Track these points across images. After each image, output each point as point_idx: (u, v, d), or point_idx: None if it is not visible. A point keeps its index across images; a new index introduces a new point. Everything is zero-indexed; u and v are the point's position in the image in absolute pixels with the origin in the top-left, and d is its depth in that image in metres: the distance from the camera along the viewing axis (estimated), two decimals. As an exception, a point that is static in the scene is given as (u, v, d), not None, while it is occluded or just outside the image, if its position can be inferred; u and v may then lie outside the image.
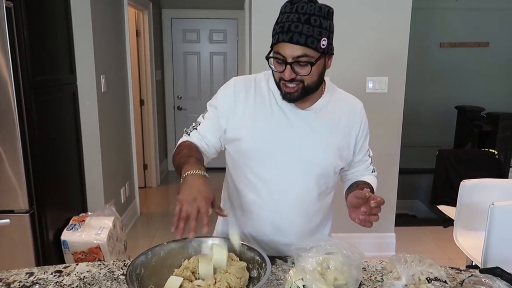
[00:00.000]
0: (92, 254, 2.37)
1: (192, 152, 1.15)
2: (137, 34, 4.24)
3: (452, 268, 1.16)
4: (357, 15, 2.69)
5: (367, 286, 1.07)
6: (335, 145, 1.20)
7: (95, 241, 2.36)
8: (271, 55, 1.10)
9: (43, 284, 1.07)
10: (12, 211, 2.10)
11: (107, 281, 1.09)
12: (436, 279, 0.99)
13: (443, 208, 2.51)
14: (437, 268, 1.03)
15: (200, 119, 1.25)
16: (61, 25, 2.56)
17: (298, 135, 1.16)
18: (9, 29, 1.94)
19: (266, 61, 1.13)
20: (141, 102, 4.40)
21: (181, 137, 1.26)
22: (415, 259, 1.05)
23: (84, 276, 1.11)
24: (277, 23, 1.10)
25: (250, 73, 2.88)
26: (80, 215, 2.59)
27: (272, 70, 1.13)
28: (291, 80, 1.07)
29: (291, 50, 1.04)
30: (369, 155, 1.35)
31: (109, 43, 3.07)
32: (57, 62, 2.49)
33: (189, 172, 1.01)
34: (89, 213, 2.64)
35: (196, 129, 1.23)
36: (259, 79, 1.23)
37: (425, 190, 4.05)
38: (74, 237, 2.37)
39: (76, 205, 2.74)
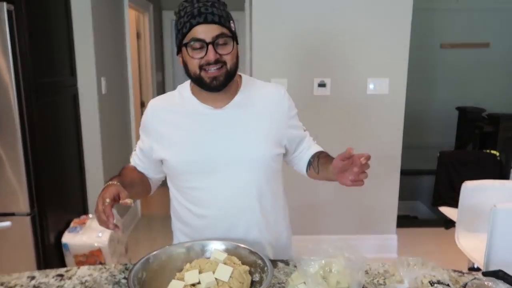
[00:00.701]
0: (93, 256, 2.36)
1: (122, 171, 1.24)
2: (138, 36, 4.25)
3: (455, 271, 1.15)
4: (357, 16, 2.69)
5: (370, 290, 1.06)
6: (264, 133, 1.17)
7: (96, 244, 2.35)
8: (186, 44, 1.06)
9: (45, 288, 1.07)
10: (13, 214, 2.10)
11: (109, 285, 1.09)
12: (439, 282, 0.99)
13: (444, 209, 2.51)
14: (440, 271, 1.02)
15: (138, 142, 1.28)
16: (62, 27, 2.56)
17: (222, 136, 1.14)
18: (10, 31, 1.95)
19: (181, 55, 1.11)
20: (142, 104, 4.40)
21: None
22: (418, 262, 1.04)
23: (85, 280, 1.11)
24: (181, 16, 1.07)
25: (251, 74, 2.89)
26: (81, 217, 2.58)
27: (188, 62, 1.08)
28: (216, 62, 1.04)
29: (208, 30, 1.03)
30: (304, 129, 1.31)
31: (109, 45, 3.07)
32: (57, 64, 2.49)
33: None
34: (90, 215, 2.64)
35: (134, 151, 1.29)
36: (172, 95, 1.23)
37: (427, 192, 4.04)
38: (75, 239, 2.37)
39: (76, 207, 2.73)
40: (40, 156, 2.17)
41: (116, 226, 0.97)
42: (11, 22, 1.96)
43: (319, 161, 1.24)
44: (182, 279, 0.98)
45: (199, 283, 0.97)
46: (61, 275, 1.13)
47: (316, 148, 1.31)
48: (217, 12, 1.04)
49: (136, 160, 1.29)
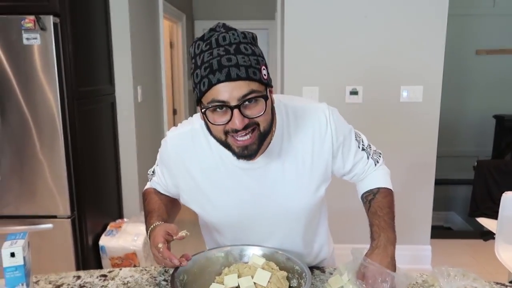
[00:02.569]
0: (128, 259, 2.43)
1: (152, 205, 1.13)
2: (171, 45, 4.37)
3: (497, 283, 1.12)
4: (391, 23, 2.67)
5: (408, 299, 1.05)
6: (305, 182, 1.02)
7: (131, 247, 2.42)
8: (205, 106, 0.84)
9: (90, 287, 1.11)
10: (55, 216, 2.20)
11: (150, 286, 1.12)
12: (481, 294, 0.97)
13: (482, 220, 2.43)
14: (482, 283, 1.00)
15: (156, 171, 1.15)
16: (102, 38, 2.67)
17: (260, 192, 1.00)
18: (55, 43, 2.05)
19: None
20: (174, 112, 4.50)
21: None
22: (459, 273, 1.02)
23: (127, 281, 1.15)
24: (199, 66, 0.85)
25: (282, 82, 2.91)
26: (117, 221, 2.67)
27: (211, 128, 0.88)
28: (245, 128, 0.84)
29: (232, 90, 0.81)
30: (362, 148, 1.09)
31: (145, 54, 3.17)
32: (98, 73, 2.60)
33: (148, 230, 1.04)
34: (125, 219, 2.72)
35: (153, 178, 1.16)
36: (196, 133, 1.00)
37: (461, 202, 3.93)
38: (111, 242, 2.44)
39: (113, 211, 2.82)
40: (80, 162, 2.27)
41: (183, 258, 0.95)
42: (57, 33, 2.07)
43: (369, 209, 1.11)
44: (221, 282, 1.00)
45: (238, 287, 0.99)
46: (104, 276, 1.18)
47: (374, 180, 1.11)
48: (243, 61, 0.81)
49: (157, 186, 1.16)
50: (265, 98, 0.85)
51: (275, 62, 3.58)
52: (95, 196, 2.51)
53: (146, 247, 2.50)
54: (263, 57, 0.88)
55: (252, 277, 0.99)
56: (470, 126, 3.99)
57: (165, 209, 1.13)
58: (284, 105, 1.01)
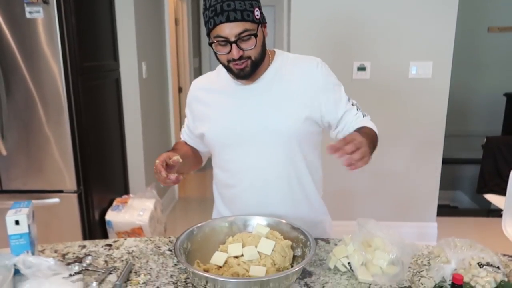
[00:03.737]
0: (134, 234, 2.45)
1: (176, 145, 1.36)
2: (176, 22, 4.30)
3: (505, 255, 1.11)
4: (400, -3, 2.59)
5: (413, 270, 1.04)
6: (296, 110, 1.17)
7: (137, 222, 2.44)
8: (212, 40, 1.10)
9: (95, 256, 1.12)
10: (61, 191, 2.21)
11: (154, 255, 1.13)
12: (488, 264, 0.96)
13: (490, 197, 2.41)
14: (490, 253, 0.99)
15: (185, 120, 1.38)
16: (106, 13, 2.63)
17: (251, 109, 1.18)
18: (58, 17, 2.02)
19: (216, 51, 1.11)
20: (180, 90, 4.48)
21: None
22: (465, 244, 1.02)
23: (132, 250, 1.16)
24: (206, 9, 1.09)
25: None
26: (123, 196, 2.68)
27: (217, 55, 1.13)
28: (240, 58, 1.08)
29: (231, 29, 1.05)
30: (352, 103, 1.24)
31: (150, 31, 3.13)
32: (102, 49, 2.58)
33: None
34: (131, 195, 2.74)
35: (184, 128, 1.39)
36: (211, 74, 1.30)
37: (468, 181, 3.89)
38: (118, 217, 2.47)
39: (118, 187, 2.84)
40: (85, 137, 2.26)
41: (167, 175, 1.06)
42: (60, 7, 2.03)
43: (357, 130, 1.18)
44: (225, 251, 1.00)
45: (242, 255, 0.98)
46: (109, 245, 1.19)
47: (362, 123, 1.22)
48: (239, 6, 1.05)
49: (185, 135, 1.39)
50: (255, 35, 1.08)
51: (282, 38, 3.52)
52: (101, 172, 2.52)
53: (152, 222, 2.52)
54: (257, 1, 1.10)
55: (256, 246, 0.99)
56: (480, 104, 3.92)
57: (184, 152, 1.28)
58: (287, 55, 1.25)
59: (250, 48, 1.08)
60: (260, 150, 1.19)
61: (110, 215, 2.48)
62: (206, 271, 0.94)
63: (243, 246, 1.00)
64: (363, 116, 1.25)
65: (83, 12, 2.28)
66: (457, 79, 3.14)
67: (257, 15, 1.08)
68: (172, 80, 3.72)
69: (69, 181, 2.20)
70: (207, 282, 0.84)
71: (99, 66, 2.52)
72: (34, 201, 1.11)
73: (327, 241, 1.20)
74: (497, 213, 3.14)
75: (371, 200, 2.92)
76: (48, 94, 2.10)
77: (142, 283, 0.99)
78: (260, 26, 1.10)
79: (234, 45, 1.06)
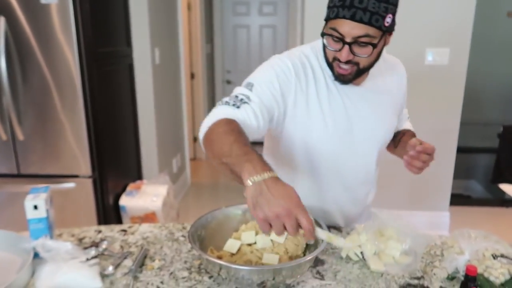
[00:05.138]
0: (148, 219, 2.49)
1: (243, 138, 0.87)
2: (189, 7, 4.27)
3: (519, 246, 1.10)
4: (418, -18, 2.53)
5: (426, 260, 1.04)
6: (392, 116, 1.20)
7: (151, 207, 2.48)
8: (326, 31, 0.98)
9: (110, 240, 1.14)
10: (76, 176, 2.25)
11: (168, 241, 1.15)
12: (502, 256, 0.95)
13: (506, 187, 2.38)
14: (504, 245, 0.98)
15: (245, 91, 1.00)
16: (119, -2, 2.63)
17: (361, 115, 1.12)
18: (73, 3, 2.03)
19: (320, 36, 1.03)
20: (192, 76, 4.47)
21: (217, 108, 0.98)
22: (480, 235, 1.01)
23: (147, 236, 1.18)
24: None
25: (303, 42, 2.82)
26: (136, 182, 2.72)
27: (325, 48, 1.02)
28: (347, 62, 0.97)
29: (351, 29, 0.92)
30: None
31: (162, 16, 3.12)
32: (115, 34, 2.58)
33: (257, 178, 0.75)
34: (145, 180, 2.77)
35: (246, 103, 0.97)
36: (308, 56, 1.09)
37: (482, 170, 3.84)
38: (131, 202, 2.50)
39: (132, 172, 2.88)
40: (99, 122, 2.29)
41: None
42: (74, -8, 2.03)
43: (402, 137, 1.25)
44: (238, 238, 1.01)
45: (255, 243, 0.99)
46: (124, 230, 1.21)
47: (406, 125, 1.34)
48: (372, 7, 0.90)
49: (249, 110, 0.97)
50: (374, 45, 0.95)
51: (295, 30, 3.48)
52: (115, 157, 2.55)
53: (165, 207, 2.55)
54: (394, 5, 0.95)
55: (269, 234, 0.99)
56: (497, 92, 3.83)
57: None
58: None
59: (363, 56, 0.96)
60: (357, 155, 1.15)
61: (124, 200, 2.52)
62: (220, 258, 0.95)
63: (256, 234, 1.01)
64: (407, 115, 1.38)
65: (97, -3, 2.28)
66: (474, 65, 3.07)
67: (387, 22, 0.93)
68: (184, 66, 3.72)
69: (84, 166, 2.23)
70: (220, 269, 0.85)
71: (113, 52, 2.53)
72: (50, 186, 1.14)
73: (339, 229, 1.20)
74: (511, 203, 3.11)
75: (384, 188, 2.88)
76: (63, 80, 2.12)
77: (157, 268, 1.01)
78: (384, 34, 0.96)
79: (346, 47, 0.95)
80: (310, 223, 0.74)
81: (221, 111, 0.95)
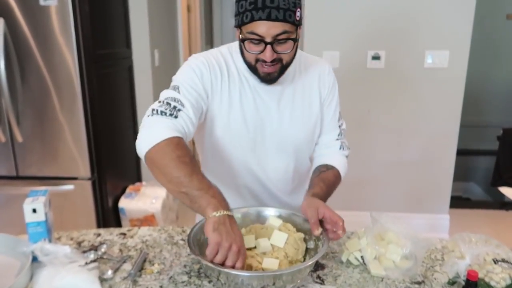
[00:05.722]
0: (147, 221, 2.49)
1: (198, 168, 0.94)
2: (188, 9, 4.27)
3: (520, 251, 1.10)
4: (417, -15, 2.53)
5: (427, 264, 1.04)
6: (309, 118, 1.17)
7: (150, 210, 2.47)
8: (244, 36, 0.99)
9: (110, 244, 1.14)
10: (75, 178, 2.24)
11: (168, 245, 1.14)
12: (503, 260, 0.95)
13: (505, 190, 2.37)
14: (505, 250, 0.98)
15: (174, 95, 1.04)
16: (118, 0, 2.62)
17: (273, 113, 1.12)
18: (72, 3, 2.02)
19: (236, 39, 1.04)
20: (191, 77, 4.47)
21: (155, 120, 1.00)
22: (481, 239, 1.00)
23: (146, 239, 1.17)
24: None
25: (302, 46, 2.83)
26: (136, 184, 2.71)
27: (245, 52, 1.02)
28: (272, 61, 0.99)
29: (269, 28, 0.94)
30: (339, 126, 1.24)
31: (162, 18, 3.12)
32: (114, 36, 2.58)
33: (222, 212, 0.86)
34: (144, 183, 2.77)
35: (181, 110, 1.01)
36: (225, 55, 1.13)
37: (482, 172, 3.84)
38: (131, 205, 2.50)
39: (131, 174, 2.87)
40: (99, 124, 2.28)
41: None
42: (73, -6, 2.03)
43: (317, 176, 1.16)
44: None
45: (255, 247, 0.99)
46: (123, 234, 1.20)
47: (331, 159, 1.21)
48: (283, 4, 0.93)
49: (184, 118, 1.01)
50: (294, 40, 0.99)
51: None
52: (114, 159, 2.54)
53: (164, 210, 2.54)
54: (299, 3, 0.98)
55: (269, 238, 0.99)
56: (497, 95, 3.83)
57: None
58: (300, 54, 1.19)
59: (286, 52, 0.99)
60: (269, 154, 1.16)
61: (123, 203, 2.51)
62: None
63: (256, 238, 1.00)
64: (340, 148, 1.22)
65: (96, -1, 2.28)
66: (473, 68, 3.07)
67: (298, 16, 0.97)
68: (184, 67, 3.71)
69: (83, 168, 2.23)
70: (219, 274, 0.85)
71: (112, 54, 2.53)
72: (49, 188, 1.13)
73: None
74: (511, 206, 3.11)
75: (383, 190, 2.90)
76: (62, 82, 2.12)
77: (156, 272, 1.00)
78: (297, 28, 1.01)
79: (269, 47, 0.97)
80: (240, 268, 0.83)
81: (162, 126, 0.98)
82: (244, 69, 1.10)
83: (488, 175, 3.47)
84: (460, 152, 2.93)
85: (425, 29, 2.59)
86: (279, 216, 1.07)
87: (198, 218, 1.21)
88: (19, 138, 2.16)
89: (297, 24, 0.98)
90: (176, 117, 1.00)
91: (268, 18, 0.93)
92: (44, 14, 2.03)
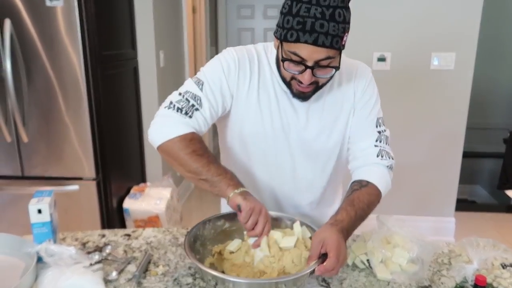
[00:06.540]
0: (151, 222, 2.49)
1: (213, 157, 1.00)
2: (193, 10, 4.28)
3: (528, 255, 1.08)
4: (423, -14, 2.52)
5: (433, 268, 1.03)
6: (340, 125, 1.11)
7: (154, 210, 2.47)
8: (285, 55, 0.94)
9: (114, 245, 1.14)
10: (80, 178, 2.25)
11: (172, 246, 1.14)
12: (511, 265, 0.93)
13: (512, 193, 2.35)
14: (514, 254, 0.97)
15: (196, 91, 1.03)
16: (124, 1, 2.63)
17: (303, 124, 1.09)
18: (78, 5, 2.03)
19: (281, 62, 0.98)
20: (196, 78, 4.47)
21: (170, 114, 1.02)
22: (488, 244, 0.99)
23: (151, 241, 1.17)
24: (293, 14, 0.90)
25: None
26: (140, 185, 2.71)
27: (280, 68, 0.99)
28: (309, 84, 0.96)
29: (313, 53, 0.90)
30: (379, 131, 1.12)
31: (167, 19, 3.12)
32: (120, 37, 2.58)
33: (242, 189, 0.95)
34: (148, 183, 2.77)
35: (198, 110, 1.02)
36: (259, 52, 1.09)
37: (487, 175, 3.81)
38: (135, 205, 2.50)
39: (136, 175, 2.87)
40: (104, 125, 2.29)
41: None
42: (79, -4, 2.04)
43: (348, 196, 1.06)
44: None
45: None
46: (128, 235, 1.20)
47: (365, 172, 1.09)
48: (332, 30, 0.88)
49: (200, 118, 1.03)
50: (336, 69, 0.95)
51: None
52: (119, 160, 2.55)
53: (168, 211, 2.54)
54: (348, 22, 0.93)
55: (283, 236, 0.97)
56: (503, 97, 3.80)
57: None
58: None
59: (325, 76, 0.96)
60: (294, 160, 1.13)
61: (127, 203, 2.51)
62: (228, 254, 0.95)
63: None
64: (378, 155, 1.09)
65: (102, 0, 2.28)
66: (479, 70, 3.05)
67: (344, 41, 0.92)
68: (189, 69, 3.71)
69: (88, 168, 2.23)
70: (216, 284, 0.84)
71: (118, 55, 2.53)
72: (53, 188, 1.13)
73: (345, 236, 1.19)
74: (517, 209, 3.08)
75: (388, 193, 2.87)
76: (68, 83, 2.12)
77: (161, 274, 1.00)
78: (341, 52, 0.96)
79: (308, 71, 0.93)
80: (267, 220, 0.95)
81: (176, 121, 1.01)
82: (277, 72, 1.06)
83: (494, 178, 3.45)
84: (466, 155, 2.91)
85: (431, 31, 2.58)
86: (286, 226, 1.05)
87: (223, 203, 1.25)
88: (24, 138, 2.17)
89: (342, 49, 0.94)
90: (190, 116, 1.02)
91: (315, 43, 0.89)
92: (50, 15, 2.03)
